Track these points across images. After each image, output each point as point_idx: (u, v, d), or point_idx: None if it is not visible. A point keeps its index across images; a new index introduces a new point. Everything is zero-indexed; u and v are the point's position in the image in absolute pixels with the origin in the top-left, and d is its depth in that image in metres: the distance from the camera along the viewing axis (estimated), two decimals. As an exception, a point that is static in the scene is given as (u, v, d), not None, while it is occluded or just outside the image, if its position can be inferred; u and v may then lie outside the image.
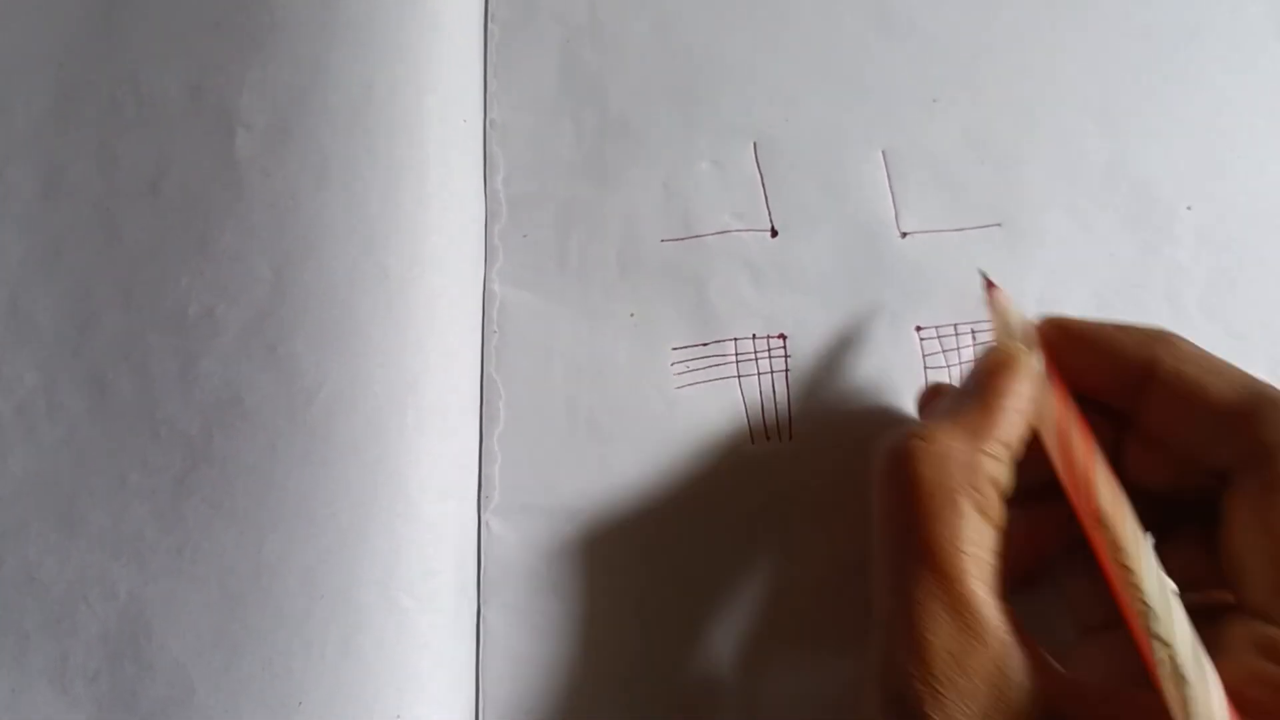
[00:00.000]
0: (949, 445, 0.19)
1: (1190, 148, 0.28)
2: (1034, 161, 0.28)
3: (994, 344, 0.22)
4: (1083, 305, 0.27)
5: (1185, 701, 0.16)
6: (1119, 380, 0.21)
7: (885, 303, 0.27)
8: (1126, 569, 0.18)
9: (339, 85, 0.25)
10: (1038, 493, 0.21)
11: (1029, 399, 0.21)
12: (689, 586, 0.25)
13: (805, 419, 0.26)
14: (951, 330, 0.27)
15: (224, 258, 0.25)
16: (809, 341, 0.27)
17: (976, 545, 0.18)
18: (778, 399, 0.26)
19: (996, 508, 0.19)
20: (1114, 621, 0.19)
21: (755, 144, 0.28)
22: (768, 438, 0.26)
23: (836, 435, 0.26)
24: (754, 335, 0.27)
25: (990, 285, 0.23)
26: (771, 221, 0.27)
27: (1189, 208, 0.28)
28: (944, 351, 0.27)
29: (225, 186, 0.25)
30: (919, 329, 0.27)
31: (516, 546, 0.25)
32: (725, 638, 0.25)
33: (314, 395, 0.24)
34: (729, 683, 0.25)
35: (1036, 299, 0.27)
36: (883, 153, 0.28)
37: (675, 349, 0.26)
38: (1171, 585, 0.18)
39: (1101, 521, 0.19)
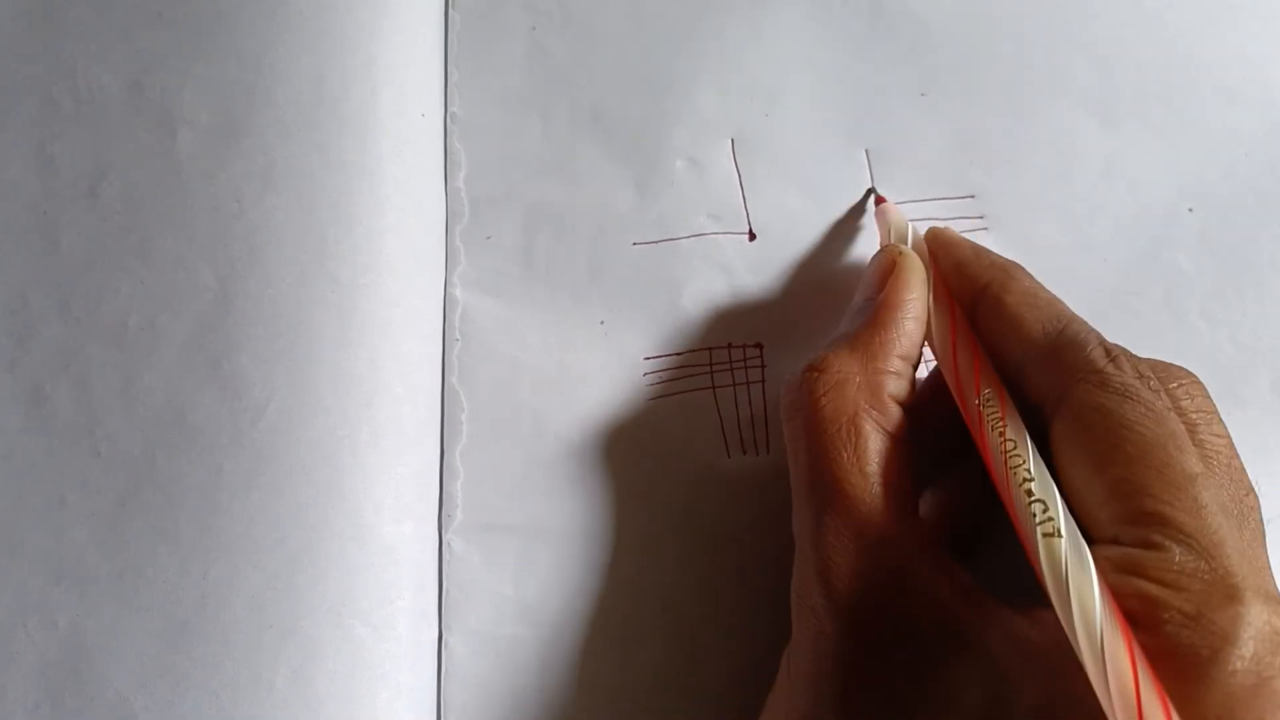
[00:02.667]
0: (846, 372, 0.20)
1: (1193, 147, 0.26)
2: (1027, 161, 0.26)
3: (881, 248, 0.23)
4: (1076, 311, 0.26)
5: (1057, 560, 0.17)
6: (968, 295, 0.22)
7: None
8: (1006, 439, 0.19)
9: (287, 80, 0.24)
10: (967, 451, 0.20)
11: (919, 303, 0.21)
12: (663, 608, 0.24)
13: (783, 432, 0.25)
14: (938, 339, 0.26)
15: (166, 266, 0.23)
16: (786, 351, 0.25)
17: (879, 464, 0.19)
18: (754, 411, 0.25)
19: (896, 421, 0.20)
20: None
21: (733, 141, 0.26)
22: (744, 451, 0.25)
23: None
24: (730, 344, 0.25)
25: (879, 199, 0.25)
26: (749, 224, 0.26)
27: (1191, 210, 0.26)
28: (928, 361, 0.25)
29: (167, 190, 0.23)
30: (904, 338, 0.26)
31: (480, 568, 0.24)
32: (702, 660, 0.24)
33: (261, 413, 0.22)
34: (706, 707, 0.24)
35: (1028, 305, 0.26)
36: (867, 151, 0.26)
37: (648, 359, 0.25)
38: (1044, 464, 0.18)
39: (981, 397, 0.19)
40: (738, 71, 0.26)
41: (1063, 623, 0.16)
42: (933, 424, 0.21)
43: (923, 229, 0.24)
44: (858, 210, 0.26)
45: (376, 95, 0.24)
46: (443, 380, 0.25)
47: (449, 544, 0.24)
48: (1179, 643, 0.16)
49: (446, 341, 0.25)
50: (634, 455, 0.25)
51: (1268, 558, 0.19)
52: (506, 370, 0.25)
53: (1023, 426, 0.19)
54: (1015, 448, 0.19)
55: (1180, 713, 0.15)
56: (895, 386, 0.20)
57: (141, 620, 0.22)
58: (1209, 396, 0.20)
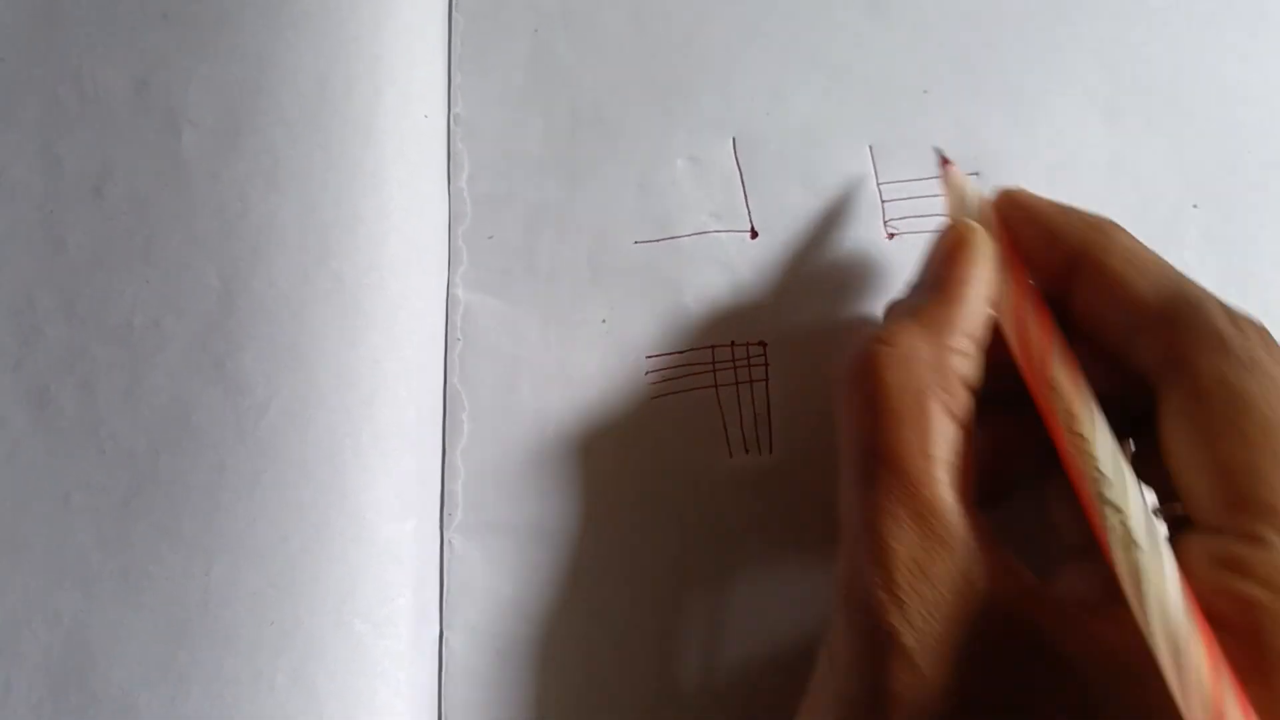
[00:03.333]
0: (914, 347, 0.18)
1: (1198, 143, 0.26)
2: (1031, 157, 0.26)
3: (948, 223, 0.21)
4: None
5: (1136, 569, 0.15)
6: (1054, 263, 0.20)
7: (874, 308, 0.25)
8: (1078, 436, 0.17)
9: (291, 80, 0.24)
10: (1009, 400, 0.19)
11: (988, 283, 0.20)
12: (664, 608, 0.24)
13: (787, 431, 0.25)
14: (942, 338, 0.25)
15: (170, 266, 0.23)
16: (791, 349, 0.25)
17: (944, 449, 0.18)
18: (757, 410, 0.25)
19: (965, 406, 0.19)
20: (1095, 544, 0.18)
21: (734, 139, 0.26)
22: (747, 450, 0.25)
23: (820, 448, 0.25)
24: (733, 343, 0.25)
25: (945, 161, 0.23)
26: (751, 222, 0.26)
27: (1195, 206, 0.26)
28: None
29: (172, 189, 0.24)
30: (907, 336, 0.25)
31: (481, 567, 0.24)
32: (704, 662, 0.24)
33: (264, 411, 0.22)
34: (708, 706, 0.24)
35: (1033, 303, 0.25)
36: (870, 148, 0.26)
37: (650, 357, 0.25)
38: (1126, 460, 0.17)
39: (1054, 389, 0.18)
40: (739, 71, 0.26)
41: (1144, 633, 0.15)
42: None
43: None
44: (875, 202, 0.25)
45: (380, 96, 0.24)
46: (444, 380, 0.25)
47: (450, 542, 0.24)
48: (1277, 651, 0.15)
49: (449, 341, 0.25)
50: (636, 454, 0.25)
51: None
52: (508, 369, 0.25)
53: (1097, 415, 0.17)
54: (1087, 444, 0.17)
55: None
56: (963, 367, 0.19)
57: (144, 618, 0.22)
58: None
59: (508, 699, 0.23)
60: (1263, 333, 0.18)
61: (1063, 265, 0.20)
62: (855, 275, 0.26)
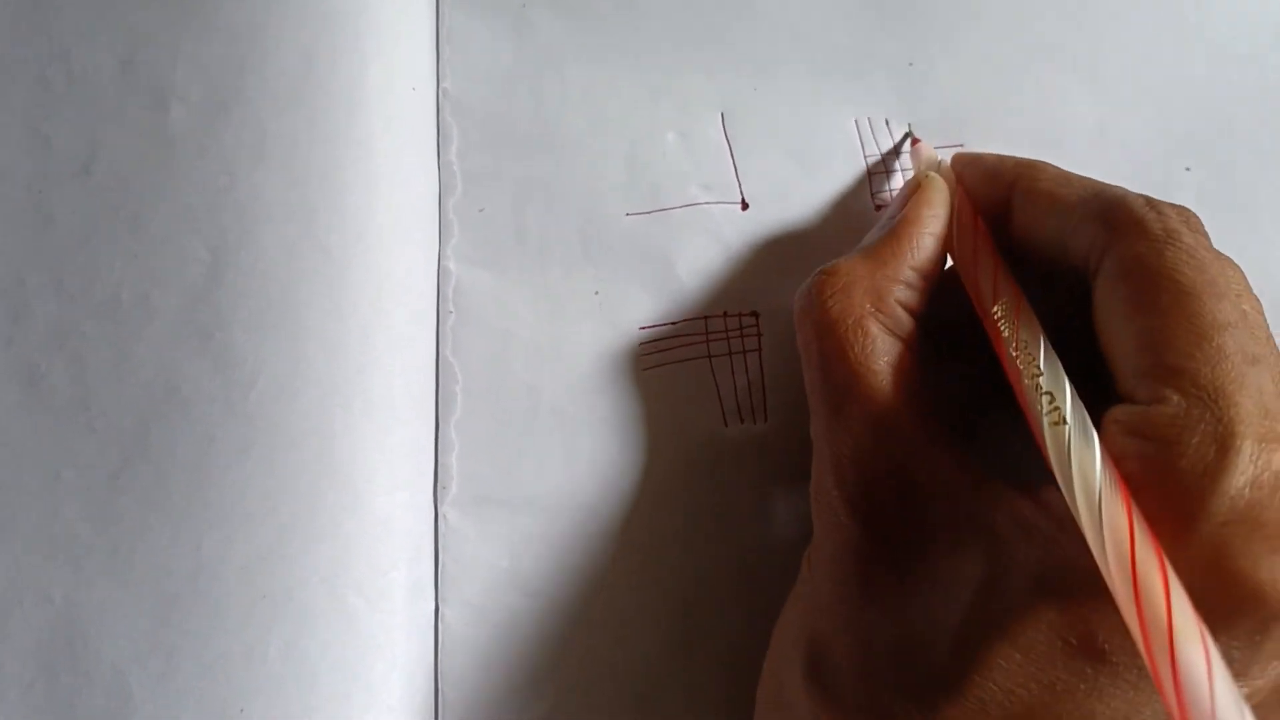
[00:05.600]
0: (854, 275, 0.21)
1: (1187, 105, 0.26)
2: (1018, 126, 0.26)
3: (911, 177, 0.23)
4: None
5: (1062, 442, 0.17)
6: (995, 196, 0.22)
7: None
8: (1019, 338, 0.19)
9: (276, 55, 0.24)
10: (971, 340, 0.21)
11: (939, 220, 0.22)
12: (660, 580, 0.24)
13: (781, 399, 0.25)
14: (934, 303, 0.26)
15: (158, 240, 0.23)
16: (783, 319, 0.25)
17: (886, 361, 0.20)
18: (751, 379, 0.25)
19: (905, 326, 0.20)
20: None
21: (723, 114, 0.26)
22: (741, 420, 0.25)
23: (814, 417, 0.25)
24: (725, 313, 0.25)
25: (915, 140, 0.25)
26: (742, 193, 0.26)
27: (1188, 169, 0.26)
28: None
29: (159, 166, 0.24)
30: (899, 303, 0.26)
31: (475, 540, 0.24)
32: (700, 630, 0.24)
33: (252, 383, 0.22)
34: (705, 676, 0.23)
35: (1025, 269, 0.26)
36: (855, 121, 0.26)
37: (642, 329, 0.25)
38: (1056, 356, 0.18)
39: (997, 305, 0.20)
40: (726, 45, 0.26)
41: (1066, 500, 0.16)
42: (944, 331, 0.21)
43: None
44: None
45: (365, 70, 0.24)
46: (437, 353, 0.25)
47: (444, 516, 0.24)
48: (1171, 497, 0.16)
49: (440, 314, 0.25)
50: (630, 426, 0.25)
51: None
52: (500, 342, 0.25)
53: (1037, 326, 0.19)
54: (1027, 346, 0.19)
55: (1174, 566, 0.15)
56: (904, 294, 0.21)
57: (135, 594, 0.22)
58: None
59: (503, 672, 0.23)
60: (1183, 212, 0.19)
61: (1002, 197, 0.22)
62: (846, 244, 0.26)
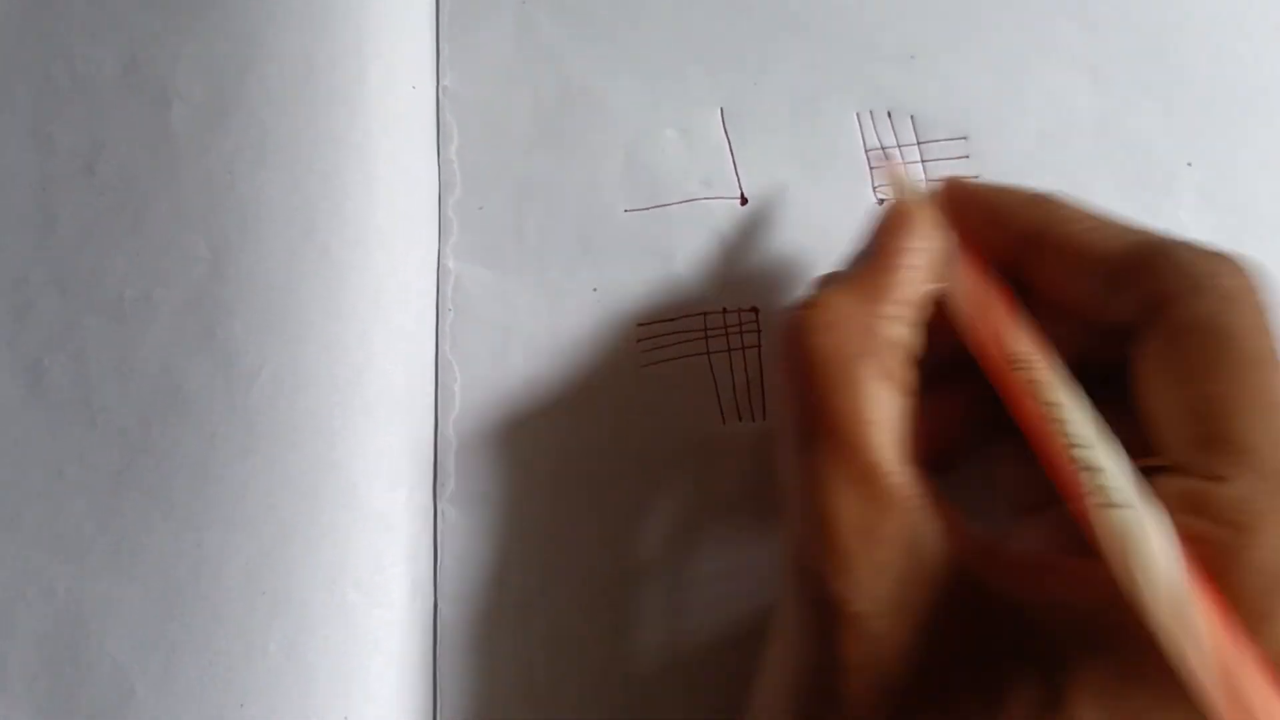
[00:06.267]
0: (842, 310, 0.18)
1: (1190, 100, 0.26)
2: (1020, 121, 0.26)
3: (890, 202, 0.21)
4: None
5: (1121, 528, 0.15)
6: (1010, 243, 0.20)
7: (864, 273, 0.26)
8: (1049, 404, 0.17)
9: (278, 55, 0.24)
10: (949, 373, 0.19)
11: (929, 252, 0.19)
12: (660, 576, 0.24)
13: (780, 397, 0.25)
14: (934, 300, 0.26)
15: (160, 239, 0.24)
16: (782, 315, 0.25)
17: (880, 412, 0.17)
18: (750, 376, 0.25)
19: (900, 370, 0.18)
20: (1047, 500, 0.18)
21: (723, 109, 0.26)
22: (740, 417, 0.25)
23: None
24: (724, 309, 0.25)
25: (885, 156, 0.24)
26: (741, 189, 0.26)
27: (1189, 164, 0.26)
28: (926, 323, 0.25)
29: (161, 165, 0.24)
30: (899, 300, 0.26)
31: (474, 537, 0.24)
32: (698, 628, 0.24)
33: (253, 381, 0.23)
34: (703, 674, 0.24)
35: (1026, 266, 0.26)
36: (857, 115, 0.26)
37: (641, 325, 0.25)
38: (1099, 424, 0.17)
39: (1018, 363, 0.17)
40: (726, 41, 0.27)
41: (1131, 591, 0.15)
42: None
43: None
44: (862, 168, 0.26)
45: (366, 69, 0.25)
46: (436, 350, 0.25)
47: (443, 512, 0.24)
48: (1243, 590, 0.14)
49: (440, 311, 0.25)
50: (629, 422, 0.25)
51: None
52: (500, 339, 0.25)
53: (1068, 381, 0.17)
54: (1060, 410, 0.17)
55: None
56: (897, 333, 0.19)
57: (137, 590, 0.22)
58: None
59: (502, 668, 0.24)
60: (1236, 265, 0.17)
61: (1014, 244, 0.20)
62: (847, 240, 0.26)
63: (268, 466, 0.22)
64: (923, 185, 0.22)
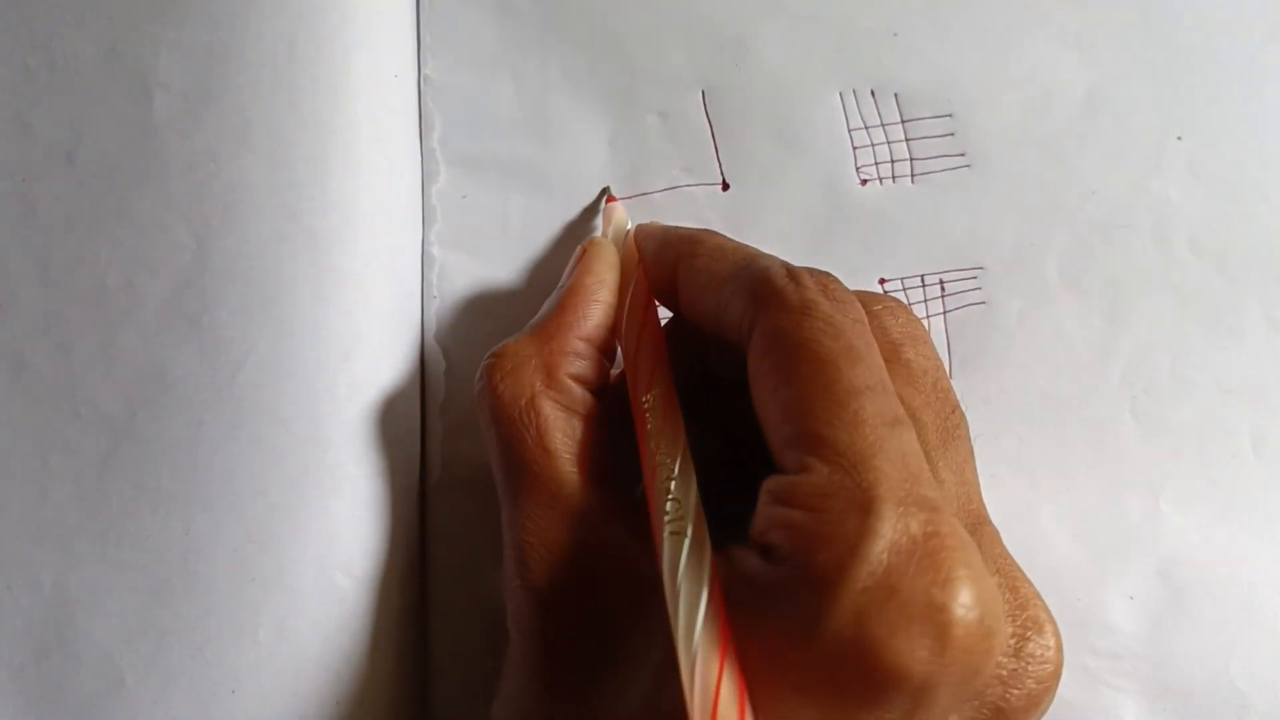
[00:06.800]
0: (522, 355, 0.21)
1: (1178, 72, 0.26)
2: (1005, 95, 0.26)
3: (582, 244, 0.24)
4: (1063, 248, 0.26)
5: (676, 556, 0.17)
6: (664, 273, 0.22)
7: (846, 255, 0.26)
8: (655, 437, 0.19)
9: (260, 42, 0.25)
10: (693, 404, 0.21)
11: (606, 287, 0.23)
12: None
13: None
14: (918, 281, 0.26)
15: (143, 227, 0.24)
16: (768, 297, 0.25)
17: (562, 440, 0.20)
18: (736, 359, 0.25)
19: (581, 399, 0.21)
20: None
21: (704, 93, 0.27)
22: (727, 400, 0.25)
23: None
24: (709, 293, 0.26)
25: (610, 197, 0.26)
26: (723, 174, 0.26)
27: (1179, 137, 0.26)
28: (910, 304, 0.26)
29: (143, 152, 0.24)
30: (883, 281, 0.26)
31: (461, 522, 0.25)
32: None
33: (239, 367, 0.23)
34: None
35: (1012, 244, 0.26)
36: (840, 94, 0.26)
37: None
38: (692, 469, 0.19)
39: (646, 402, 0.20)
40: (706, 23, 0.27)
41: (670, 622, 0.16)
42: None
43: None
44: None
45: (348, 56, 0.25)
46: (421, 337, 0.25)
47: (430, 497, 0.25)
48: (811, 566, 0.16)
49: (425, 299, 0.26)
50: (616, 407, 0.25)
51: (974, 475, 0.20)
52: (484, 326, 0.26)
53: (681, 427, 0.20)
54: (666, 447, 0.19)
55: (815, 638, 0.15)
56: (576, 367, 0.21)
57: (125, 578, 0.23)
58: (919, 320, 0.21)
59: (491, 653, 0.24)
60: (822, 279, 0.20)
61: (669, 274, 0.22)
62: (828, 222, 0.26)
63: (255, 452, 0.23)
64: (628, 227, 0.25)
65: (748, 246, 0.22)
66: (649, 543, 0.18)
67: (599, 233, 0.26)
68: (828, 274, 0.20)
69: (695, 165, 0.26)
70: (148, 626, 0.22)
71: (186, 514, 0.23)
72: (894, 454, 0.17)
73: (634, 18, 0.27)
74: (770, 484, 0.18)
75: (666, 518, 0.18)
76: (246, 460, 0.23)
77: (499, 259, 0.26)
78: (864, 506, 0.16)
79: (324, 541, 0.23)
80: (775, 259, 0.20)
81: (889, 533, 0.16)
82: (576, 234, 0.26)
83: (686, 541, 0.17)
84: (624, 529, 0.19)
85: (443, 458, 0.25)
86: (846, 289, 0.20)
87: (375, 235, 0.25)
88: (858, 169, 0.26)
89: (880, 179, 0.26)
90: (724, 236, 0.22)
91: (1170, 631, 0.24)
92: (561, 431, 0.20)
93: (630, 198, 0.26)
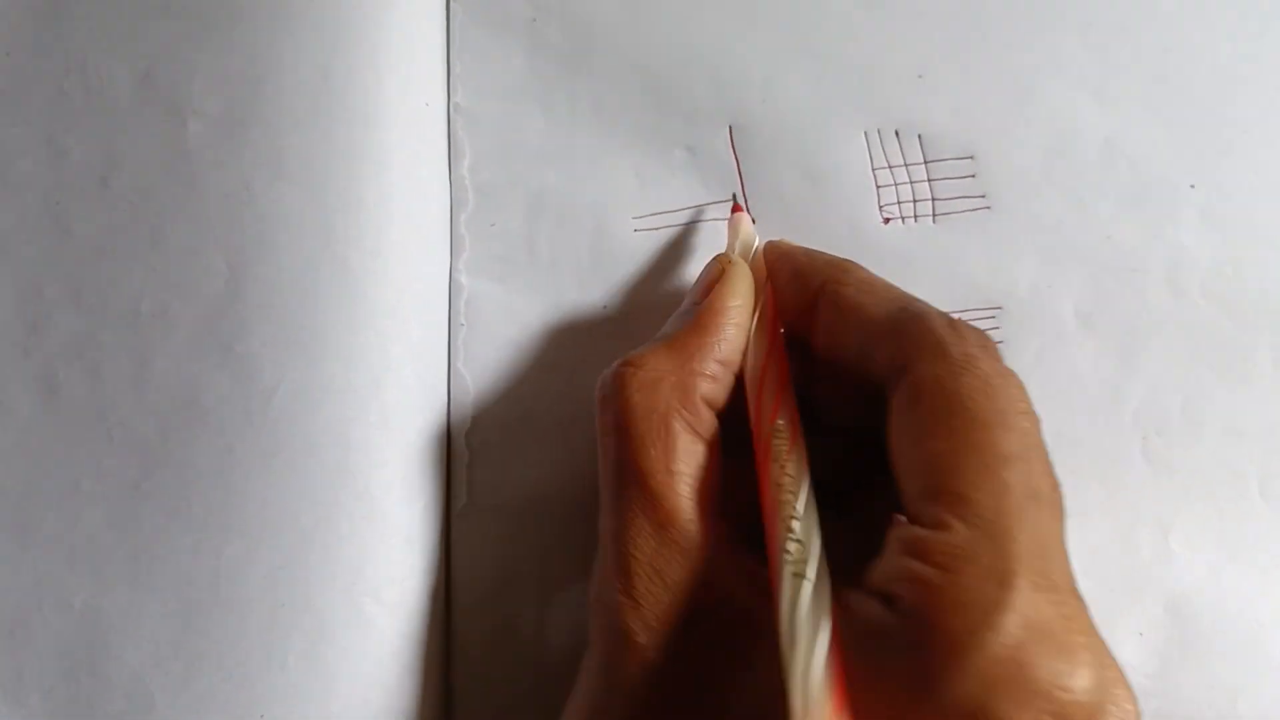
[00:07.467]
0: (659, 370, 0.21)
1: (1193, 122, 0.28)
2: (1026, 139, 0.27)
3: (715, 256, 0.24)
4: (1080, 290, 0.27)
5: (795, 598, 0.17)
6: (802, 299, 0.22)
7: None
8: (784, 473, 0.19)
9: (294, 71, 0.25)
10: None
11: (744, 311, 0.22)
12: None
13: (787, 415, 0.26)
14: (940, 318, 0.27)
15: (177, 252, 0.25)
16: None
17: (685, 464, 0.20)
18: (759, 393, 0.26)
19: (709, 425, 0.21)
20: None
21: (731, 128, 0.27)
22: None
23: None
24: (733, 326, 0.26)
25: (736, 207, 0.26)
26: (749, 209, 0.27)
27: (1192, 186, 0.27)
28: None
29: (177, 179, 0.25)
30: (906, 317, 0.27)
31: (488, 548, 0.25)
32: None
33: (272, 395, 0.24)
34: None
35: (1030, 285, 0.27)
36: (865, 134, 0.27)
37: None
38: (815, 513, 0.19)
39: (775, 432, 0.20)
40: (735, 60, 0.28)
41: (784, 664, 0.17)
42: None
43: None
44: (870, 187, 0.27)
45: (381, 85, 0.26)
46: (449, 365, 0.26)
47: (457, 525, 0.25)
48: (941, 627, 0.16)
49: (452, 327, 0.26)
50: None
51: (1067, 551, 0.19)
52: (511, 355, 0.26)
53: (806, 465, 0.20)
54: (791, 484, 0.19)
55: (935, 698, 0.16)
56: (710, 390, 0.21)
57: (156, 601, 0.23)
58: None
59: (517, 679, 0.25)
60: (981, 336, 0.20)
61: (808, 300, 0.22)
62: (850, 258, 0.27)
63: (286, 479, 0.23)
64: (756, 242, 0.25)
65: (895, 286, 0.22)
66: (757, 583, 0.19)
67: (725, 244, 0.26)
68: (984, 332, 0.20)
69: (722, 198, 0.27)
70: (178, 650, 0.23)
71: (218, 539, 0.23)
72: (1032, 529, 0.17)
73: (663, 53, 0.28)
74: (903, 534, 0.18)
75: (789, 558, 0.18)
76: (278, 486, 0.23)
77: (526, 288, 0.27)
78: (1002, 578, 0.16)
79: (353, 568, 0.23)
80: (930, 306, 0.21)
81: (1024, 608, 0.16)
82: (603, 264, 0.27)
83: (808, 585, 0.17)
84: (734, 568, 0.19)
85: (469, 485, 0.26)
86: (997, 349, 0.20)
87: (406, 264, 0.25)
88: (881, 208, 0.27)
89: (902, 218, 0.27)
90: (866, 269, 0.22)
91: (1178, 669, 0.25)
92: (688, 454, 0.20)
93: (658, 229, 0.27)
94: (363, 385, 0.24)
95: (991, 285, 0.27)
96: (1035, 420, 0.20)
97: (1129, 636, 0.26)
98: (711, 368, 0.21)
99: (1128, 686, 0.18)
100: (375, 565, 0.24)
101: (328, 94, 0.25)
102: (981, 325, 0.27)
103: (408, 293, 0.25)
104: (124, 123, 0.26)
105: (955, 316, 0.20)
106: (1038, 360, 0.27)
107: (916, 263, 0.27)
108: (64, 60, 0.26)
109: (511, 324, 0.27)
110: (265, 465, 0.24)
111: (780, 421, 0.20)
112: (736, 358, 0.22)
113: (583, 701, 0.20)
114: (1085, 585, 0.26)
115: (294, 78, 0.25)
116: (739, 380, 0.22)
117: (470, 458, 0.26)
